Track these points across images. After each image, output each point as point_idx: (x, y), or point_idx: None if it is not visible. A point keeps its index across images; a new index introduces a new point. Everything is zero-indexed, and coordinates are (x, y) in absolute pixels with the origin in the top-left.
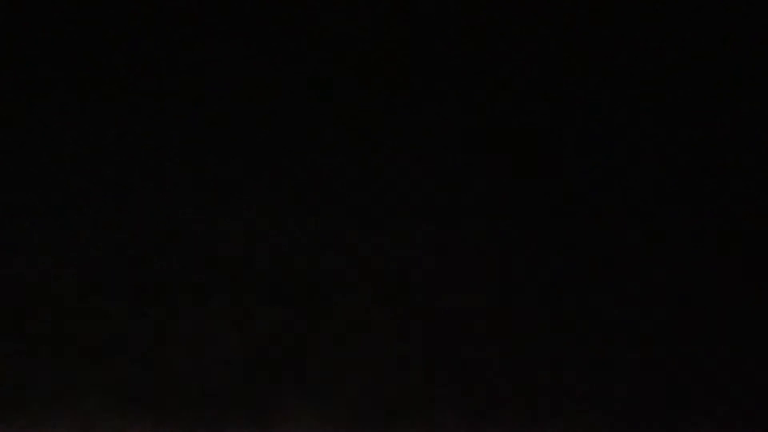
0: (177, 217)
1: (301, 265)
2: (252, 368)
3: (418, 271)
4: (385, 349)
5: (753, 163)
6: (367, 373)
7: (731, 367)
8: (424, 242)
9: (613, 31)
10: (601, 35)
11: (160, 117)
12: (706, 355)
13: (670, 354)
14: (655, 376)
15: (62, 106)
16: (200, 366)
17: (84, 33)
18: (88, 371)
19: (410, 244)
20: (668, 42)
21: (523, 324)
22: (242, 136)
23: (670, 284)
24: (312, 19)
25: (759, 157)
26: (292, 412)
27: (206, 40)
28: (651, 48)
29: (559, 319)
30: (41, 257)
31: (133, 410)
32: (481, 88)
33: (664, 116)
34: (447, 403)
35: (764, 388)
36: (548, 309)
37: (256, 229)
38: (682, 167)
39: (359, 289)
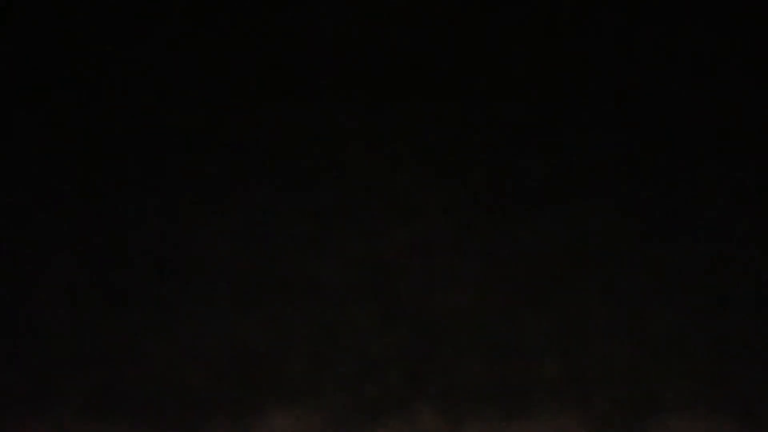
0: (154, 218)
1: (280, 265)
2: (230, 369)
3: (399, 271)
4: (364, 348)
5: None
6: (347, 372)
7: None
8: (404, 242)
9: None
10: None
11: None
12: None
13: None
14: (635, 377)
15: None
16: (177, 368)
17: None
18: (62, 375)
19: (390, 244)
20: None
21: (502, 323)
22: (221, 138)
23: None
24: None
25: None
26: (270, 412)
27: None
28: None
29: (539, 316)
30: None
31: (109, 414)
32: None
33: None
34: (426, 401)
35: None
36: (528, 308)
37: (236, 230)
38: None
39: (339, 288)
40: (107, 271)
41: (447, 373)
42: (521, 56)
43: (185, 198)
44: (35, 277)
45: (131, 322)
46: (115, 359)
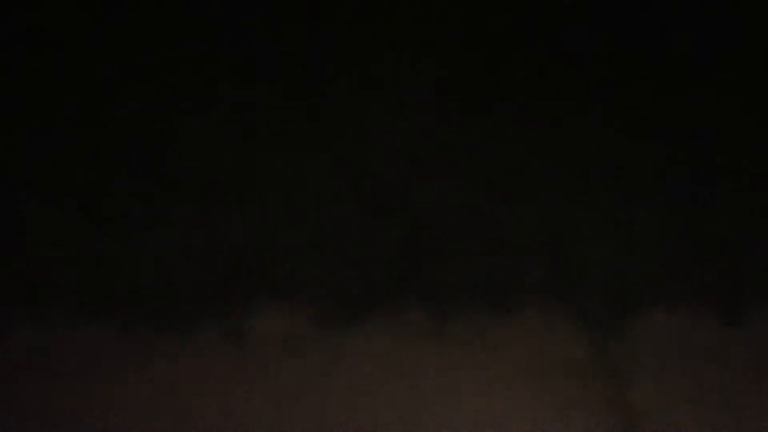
0: (141, 114)
1: (266, 164)
2: (217, 268)
3: (385, 169)
4: (350, 246)
5: None
6: (333, 270)
7: None
8: (390, 140)
9: None
10: None
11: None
12: None
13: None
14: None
15: None
16: (165, 268)
17: None
18: (52, 277)
19: (376, 142)
20: None
21: (488, 222)
22: (209, 31)
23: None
24: None
25: None
26: (257, 310)
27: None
28: None
29: (524, 214)
30: None
31: (100, 314)
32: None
33: None
34: (412, 298)
35: None
36: (513, 206)
37: (224, 128)
38: None
39: (325, 189)
40: (94, 171)
41: (432, 270)
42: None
43: (171, 93)
44: (22, 177)
45: (119, 223)
46: (104, 260)
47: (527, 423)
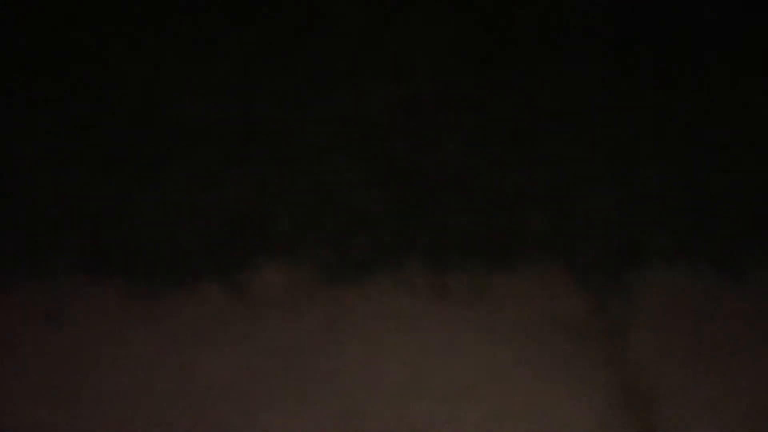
0: (137, 77)
1: (268, 123)
2: (219, 226)
3: (387, 127)
4: (352, 203)
5: None
6: (335, 228)
7: None
8: (392, 98)
9: None
10: None
11: None
12: None
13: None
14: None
15: None
16: (166, 226)
17: None
18: (51, 235)
19: (378, 101)
20: None
21: (490, 178)
22: None
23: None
24: None
25: None
26: (260, 269)
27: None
28: None
29: (526, 171)
30: None
31: (101, 272)
32: None
33: None
34: (414, 255)
35: None
36: (515, 163)
37: (223, 87)
38: None
39: (328, 144)
40: (91, 132)
41: (435, 227)
42: None
43: (169, 55)
44: (19, 139)
45: (117, 182)
46: (103, 219)
47: (526, 377)
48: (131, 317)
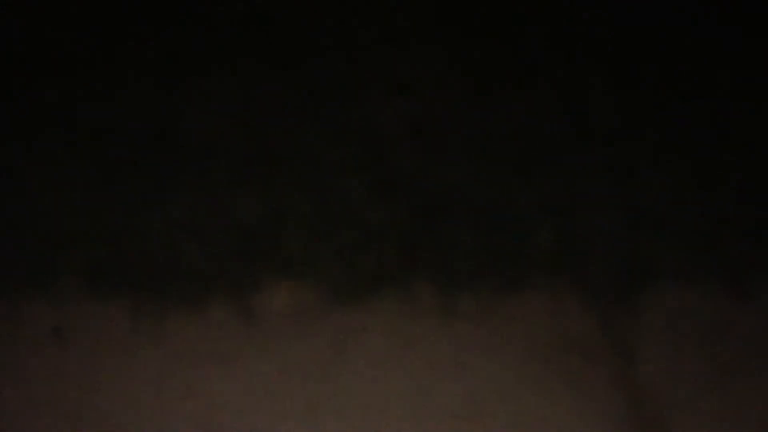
0: (148, 92)
1: (275, 139)
2: (226, 244)
3: (394, 144)
4: (359, 221)
5: None
6: (342, 246)
7: None
8: (399, 115)
9: None
10: None
11: None
12: None
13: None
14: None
15: None
16: (173, 245)
17: None
18: (59, 253)
19: (385, 117)
20: None
21: (497, 196)
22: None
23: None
24: None
25: None
26: (266, 287)
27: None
28: None
29: (534, 189)
30: None
31: (108, 291)
32: None
33: None
34: (422, 274)
35: None
36: (523, 181)
37: (231, 103)
38: None
39: (335, 163)
40: (99, 151)
41: (442, 246)
42: None
43: (179, 71)
44: (27, 158)
45: (124, 201)
46: (111, 238)
47: (534, 396)
48: (138, 336)
